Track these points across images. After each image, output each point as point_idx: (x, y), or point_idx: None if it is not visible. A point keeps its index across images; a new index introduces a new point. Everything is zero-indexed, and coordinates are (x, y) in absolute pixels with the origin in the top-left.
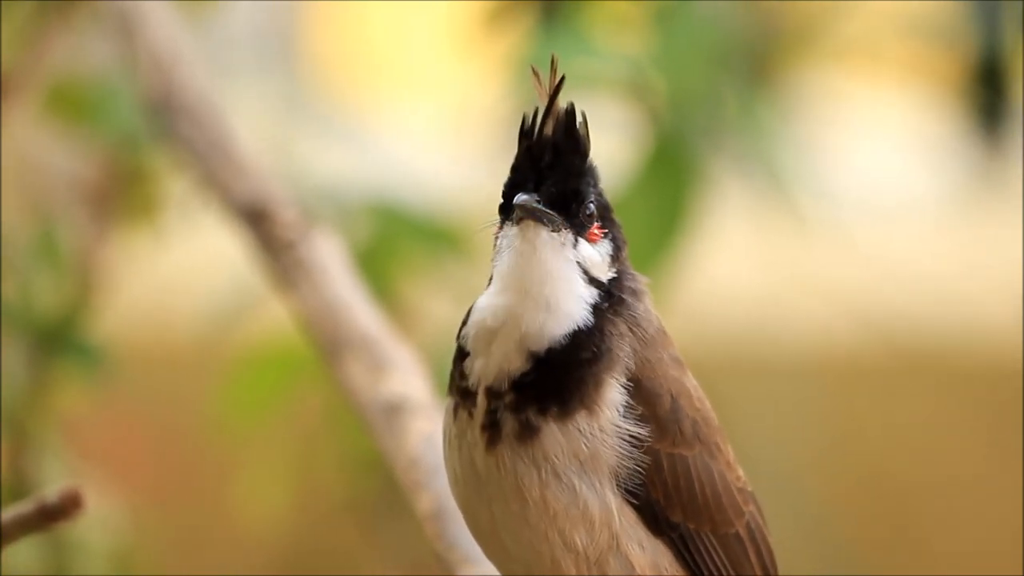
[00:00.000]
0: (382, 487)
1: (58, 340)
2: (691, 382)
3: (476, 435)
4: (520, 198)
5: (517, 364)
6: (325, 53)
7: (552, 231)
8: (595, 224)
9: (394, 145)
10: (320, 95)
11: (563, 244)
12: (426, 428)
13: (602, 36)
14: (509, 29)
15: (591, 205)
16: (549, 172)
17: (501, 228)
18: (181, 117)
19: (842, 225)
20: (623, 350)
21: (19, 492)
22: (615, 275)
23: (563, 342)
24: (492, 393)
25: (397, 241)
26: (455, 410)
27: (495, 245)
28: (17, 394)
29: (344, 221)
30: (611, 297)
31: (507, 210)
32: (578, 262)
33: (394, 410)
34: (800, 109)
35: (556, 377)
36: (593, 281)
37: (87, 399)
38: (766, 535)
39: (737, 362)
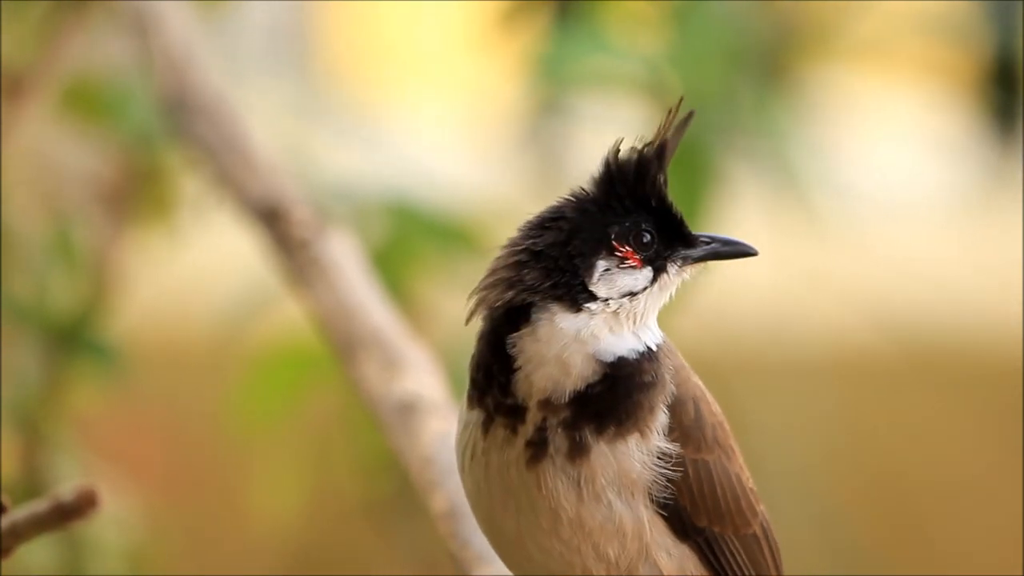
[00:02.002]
0: (396, 486)
1: (73, 339)
2: (705, 387)
3: (517, 451)
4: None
5: (587, 372)
6: (339, 52)
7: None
8: None
9: (409, 144)
10: (334, 94)
11: None
12: (440, 427)
13: (618, 35)
14: (524, 28)
15: None
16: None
17: (643, 263)
18: (196, 116)
19: (855, 224)
20: (669, 372)
21: (34, 490)
22: None
23: (632, 359)
24: (547, 407)
25: (412, 240)
26: (485, 424)
27: (607, 274)
28: (32, 393)
29: (359, 220)
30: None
31: (672, 247)
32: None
33: (408, 409)
34: (814, 108)
35: (615, 397)
36: None
37: (101, 398)
38: (774, 533)
39: (749, 360)
